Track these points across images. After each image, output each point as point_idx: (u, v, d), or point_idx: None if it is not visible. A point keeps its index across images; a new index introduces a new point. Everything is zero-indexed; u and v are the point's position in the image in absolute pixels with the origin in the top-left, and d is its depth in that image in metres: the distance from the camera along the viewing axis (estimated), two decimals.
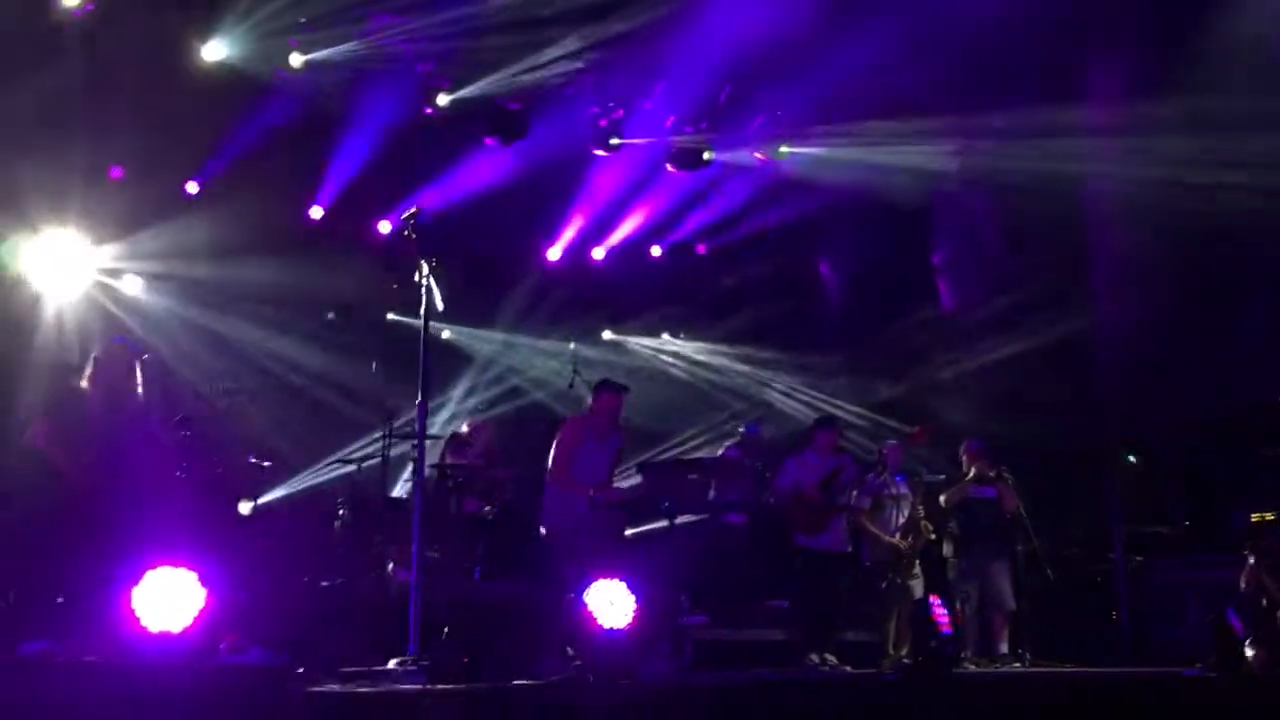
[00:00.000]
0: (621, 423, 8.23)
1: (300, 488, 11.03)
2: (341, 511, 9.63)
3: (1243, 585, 8.15)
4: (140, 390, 6.87)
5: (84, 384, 6.74)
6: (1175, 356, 10.32)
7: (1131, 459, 9.98)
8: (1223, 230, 9.48)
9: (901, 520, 9.28)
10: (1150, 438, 10.59)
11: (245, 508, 9.90)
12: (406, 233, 6.53)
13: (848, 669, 8.73)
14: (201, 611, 4.54)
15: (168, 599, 4.51)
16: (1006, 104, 10.55)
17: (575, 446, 7.88)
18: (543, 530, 7.94)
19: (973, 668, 8.58)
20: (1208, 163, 9.42)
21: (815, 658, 8.73)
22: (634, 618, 5.76)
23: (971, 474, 9.50)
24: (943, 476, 9.83)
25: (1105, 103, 10.35)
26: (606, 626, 5.64)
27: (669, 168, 12.25)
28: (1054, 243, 11.27)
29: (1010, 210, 11.70)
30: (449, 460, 9.86)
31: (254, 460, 9.64)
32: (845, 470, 9.11)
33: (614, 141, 11.72)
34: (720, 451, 10.62)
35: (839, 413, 12.96)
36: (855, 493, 9.29)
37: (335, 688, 4.74)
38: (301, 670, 4.84)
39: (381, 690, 4.78)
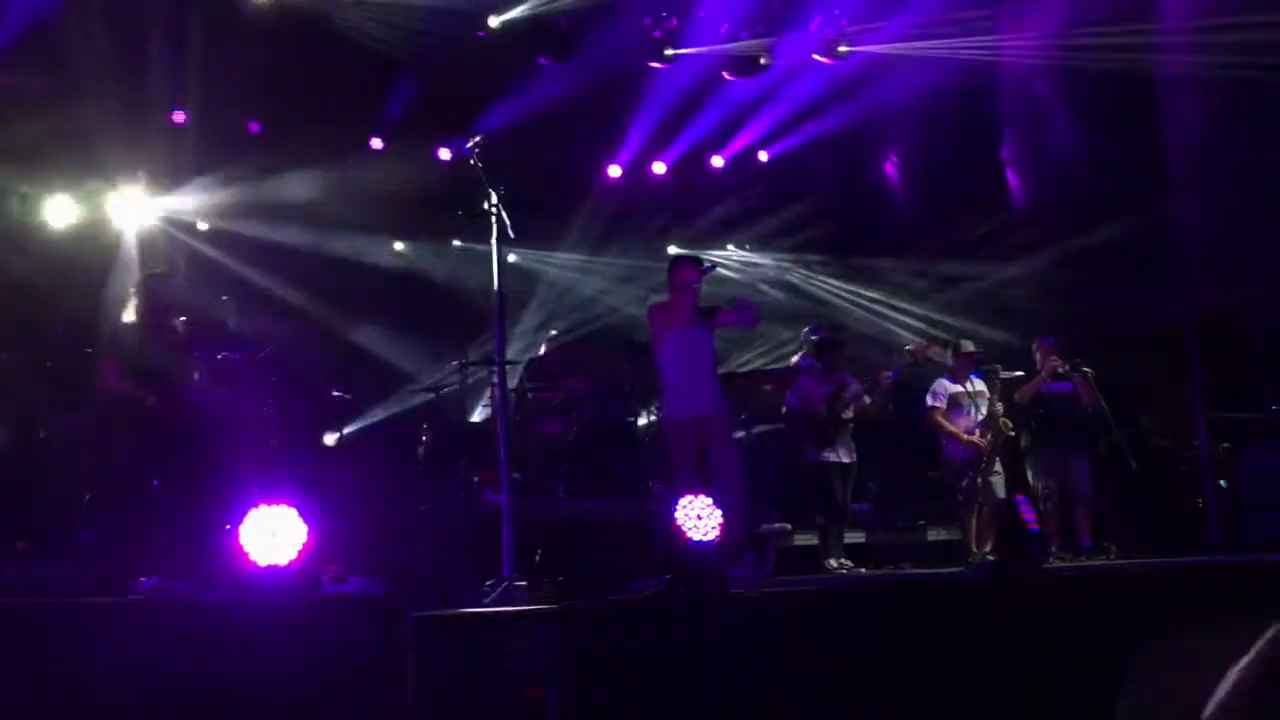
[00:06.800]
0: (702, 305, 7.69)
1: (380, 418, 11.25)
2: (424, 438, 9.83)
3: None
4: (181, 325, 6.88)
5: (126, 318, 6.76)
6: (1256, 237, 10.02)
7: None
8: None
9: (980, 417, 9.33)
10: (1233, 319, 10.33)
11: (330, 439, 10.17)
12: (473, 162, 6.48)
13: (862, 571, 9.00)
14: (304, 545, 4.66)
15: (272, 534, 4.64)
16: None
17: (665, 331, 7.56)
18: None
19: (1058, 563, 8.58)
20: None
21: (834, 563, 9.04)
22: (720, 530, 5.83)
23: (1044, 370, 9.47)
24: (1020, 373, 9.75)
25: None
26: (695, 540, 5.72)
27: (726, 75, 12.03)
28: (1129, 129, 10.95)
29: (1083, 98, 11.35)
30: (528, 385, 10.03)
31: (335, 394, 9.86)
32: (848, 387, 9.38)
33: (668, 53, 11.51)
34: (794, 360, 10.59)
35: (913, 310, 12.95)
36: (929, 395, 9.46)
37: (440, 611, 4.87)
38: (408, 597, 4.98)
39: (486, 612, 4.91)
